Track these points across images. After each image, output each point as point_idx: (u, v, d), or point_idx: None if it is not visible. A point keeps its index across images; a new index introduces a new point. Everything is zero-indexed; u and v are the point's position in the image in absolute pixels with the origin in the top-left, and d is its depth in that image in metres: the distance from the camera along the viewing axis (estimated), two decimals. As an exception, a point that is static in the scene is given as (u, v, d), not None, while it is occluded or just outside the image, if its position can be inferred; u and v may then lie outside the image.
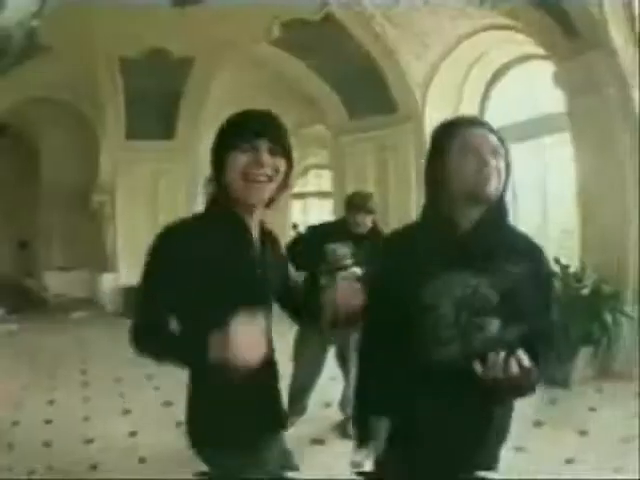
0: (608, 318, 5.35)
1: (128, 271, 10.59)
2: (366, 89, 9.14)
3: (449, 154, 1.67)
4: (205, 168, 11.33)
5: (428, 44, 8.04)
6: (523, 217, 8.53)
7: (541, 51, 6.67)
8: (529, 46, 7.01)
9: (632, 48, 5.46)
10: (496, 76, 8.80)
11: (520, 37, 6.93)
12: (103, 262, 11.48)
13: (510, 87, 8.68)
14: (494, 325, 1.60)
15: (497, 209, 1.70)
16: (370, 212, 4.30)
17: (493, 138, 1.67)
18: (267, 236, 1.84)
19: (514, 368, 1.42)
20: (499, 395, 1.55)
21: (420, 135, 8.95)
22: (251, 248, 1.72)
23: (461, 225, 1.68)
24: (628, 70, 5.42)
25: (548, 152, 7.94)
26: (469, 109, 9.10)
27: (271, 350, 1.76)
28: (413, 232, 1.82)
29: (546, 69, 7.23)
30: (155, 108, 10.09)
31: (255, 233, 1.75)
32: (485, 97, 9.08)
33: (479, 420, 1.64)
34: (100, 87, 9.90)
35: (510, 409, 1.74)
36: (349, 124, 9.85)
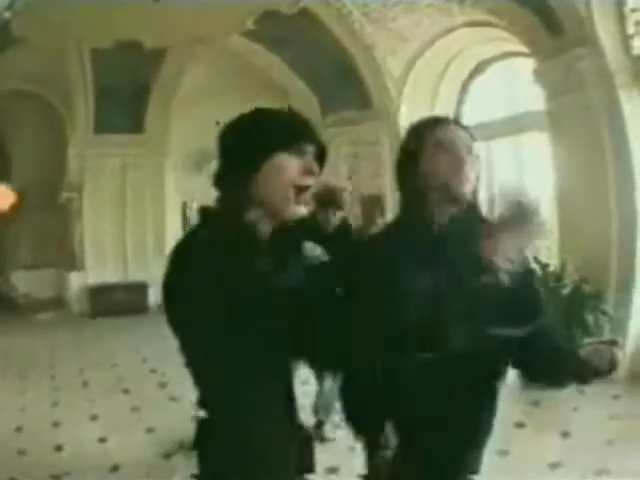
0: (589, 318, 5.29)
1: (95, 270, 10.37)
2: (341, 84, 9.05)
3: (423, 153, 1.63)
4: (174, 163, 11.17)
5: (405, 40, 7.93)
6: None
7: (521, 48, 6.60)
8: (508, 43, 6.96)
9: (620, 47, 5.39)
10: (474, 73, 8.76)
11: (500, 34, 6.86)
12: (71, 260, 11.17)
13: (488, 84, 8.65)
14: (468, 327, 1.44)
15: (471, 209, 1.65)
16: (341, 208, 4.05)
17: (466, 136, 1.64)
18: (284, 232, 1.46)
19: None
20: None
21: (395, 131, 8.84)
22: (262, 259, 1.33)
23: (435, 225, 1.62)
24: (614, 69, 5.35)
25: (525, 150, 7.92)
26: (445, 106, 9.06)
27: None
28: (391, 234, 1.73)
29: (525, 67, 7.21)
30: (125, 101, 9.85)
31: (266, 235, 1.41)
32: (462, 94, 9.04)
33: (465, 424, 1.62)
34: (71, 80, 9.62)
35: (494, 411, 1.70)
36: (323, 119, 9.67)
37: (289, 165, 1.33)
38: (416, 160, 1.62)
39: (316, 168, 1.39)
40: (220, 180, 1.40)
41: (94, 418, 4.88)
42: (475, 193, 1.64)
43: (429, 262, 1.46)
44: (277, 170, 1.33)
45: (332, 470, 3.44)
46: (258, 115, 1.41)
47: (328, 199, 3.96)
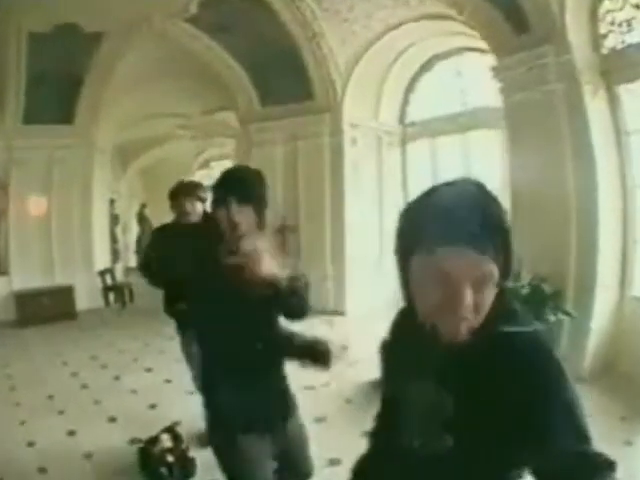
0: (550, 317, 5.22)
1: (20, 274, 9.55)
2: (283, 74, 8.61)
3: (409, 271, 1.20)
4: (101, 158, 10.49)
5: (356, 30, 7.65)
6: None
7: (475, 44, 6.52)
8: (462, 38, 6.84)
9: (589, 45, 5.40)
10: (423, 68, 8.66)
11: (454, 28, 6.73)
12: None
13: (437, 80, 8.56)
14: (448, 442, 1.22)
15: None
16: (200, 199, 4.20)
17: (483, 265, 1.11)
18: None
19: None
20: None
21: (337, 126, 8.65)
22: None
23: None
24: (581, 67, 5.33)
25: (473, 147, 7.87)
26: (391, 101, 8.91)
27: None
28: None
29: (474, 62, 7.16)
30: (57, 90, 9.09)
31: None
32: (410, 89, 8.91)
33: None
34: (6, 66, 8.73)
35: None
36: (260, 111, 9.23)
37: (221, 218, 2.22)
38: (405, 274, 1.22)
39: (235, 213, 2.19)
40: None
41: (31, 445, 4.40)
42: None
43: (428, 369, 1.28)
44: (218, 216, 2.24)
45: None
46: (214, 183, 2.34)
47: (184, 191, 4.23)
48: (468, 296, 1.11)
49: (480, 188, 1.15)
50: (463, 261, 1.10)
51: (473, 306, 1.11)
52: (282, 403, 2.39)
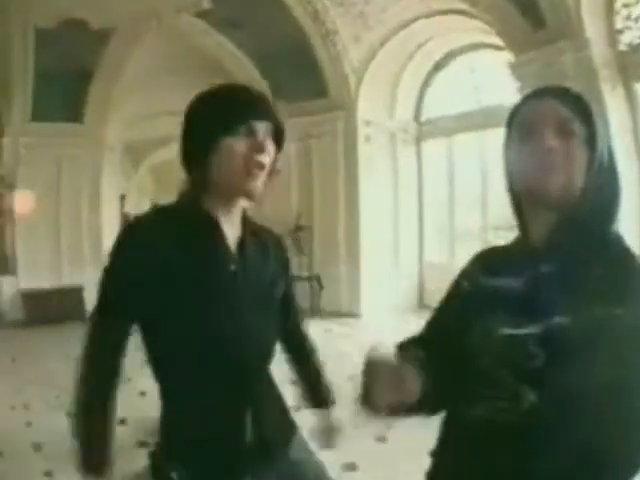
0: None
1: (27, 274, 9.50)
2: (296, 71, 8.53)
3: (510, 138, 1.21)
4: (112, 155, 10.43)
5: (370, 26, 7.56)
6: (460, 212, 8.38)
7: (491, 40, 6.45)
8: (477, 34, 6.74)
9: (606, 41, 5.39)
10: (439, 65, 8.57)
11: (469, 24, 6.66)
12: (4, 264, 10.07)
13: (453, 76, 8.45)
14: (530, 397, 1.03)
15: (576, 216, 1.11)
16: None
17: (563, 110, 1.13)
18: (255, 232, 1.54)
19: None
20: None
21: (351, 124, 8.59)
22: (224, 250, 1.43)
23: (530, 241, 1.19)
24: (599, 63, 5.31)
25: (489, 145, 7.77)
26: (406, 98, 8.83)
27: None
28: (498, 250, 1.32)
29: (490, 59, 7.07)
30: (66, 87, 9.04)
31: (233, 233, 1.46)
32: (425, 85, 8.81)
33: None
34: (12, 64, 8.73)
35: None
36: (273, 108, 9.18)
37: (236, 148, 1.36)
38: (507, 146, 1.21)
39: (268, 145, 1.40)
40: (182, 163, 1.47)
41: (37, 446, 4.31)
42: (589, 192, 1.10)
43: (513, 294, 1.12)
44: (225, 154, 1.36)
45: None
46: (203, 100, 1.46)
47: None
48: (554, 139, 1.12)
49: None
50: (547, 104, 1.15)
51: (560, 154, 1.11)
52: (283, 425, 1.62)
